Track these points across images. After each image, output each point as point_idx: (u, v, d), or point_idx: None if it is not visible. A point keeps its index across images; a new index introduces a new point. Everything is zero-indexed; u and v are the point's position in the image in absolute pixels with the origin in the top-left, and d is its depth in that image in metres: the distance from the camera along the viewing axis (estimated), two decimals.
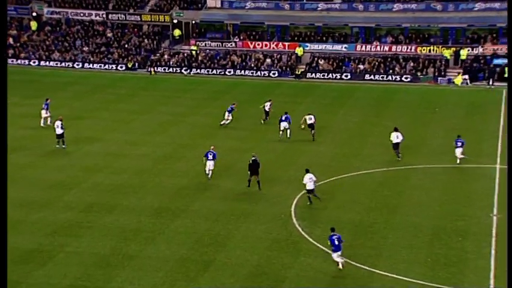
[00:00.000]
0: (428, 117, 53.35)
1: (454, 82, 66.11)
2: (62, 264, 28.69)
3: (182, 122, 52.46)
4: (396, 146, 41.79)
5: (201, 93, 63.25)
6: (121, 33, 79.61)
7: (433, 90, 64.87)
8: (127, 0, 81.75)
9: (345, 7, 74.76)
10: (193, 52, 74.59)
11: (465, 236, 31.44)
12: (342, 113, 55.45)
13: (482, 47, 69.33)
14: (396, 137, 41.75)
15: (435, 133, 47.25)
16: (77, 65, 75.89)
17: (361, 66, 69.99)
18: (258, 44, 74.77)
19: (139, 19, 79.89)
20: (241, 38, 75.92)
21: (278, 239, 31.12)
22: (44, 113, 49.90)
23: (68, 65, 75.98)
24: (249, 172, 37.06)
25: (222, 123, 50.21)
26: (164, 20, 78.47)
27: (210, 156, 38.52)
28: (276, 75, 71.00)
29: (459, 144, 41.05)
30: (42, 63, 76.61)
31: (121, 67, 74.82)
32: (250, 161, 37.20)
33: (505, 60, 66.73)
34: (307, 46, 73.04)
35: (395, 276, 27.60)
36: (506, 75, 65.14)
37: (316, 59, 71.75)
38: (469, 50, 69.01)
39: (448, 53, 69.19)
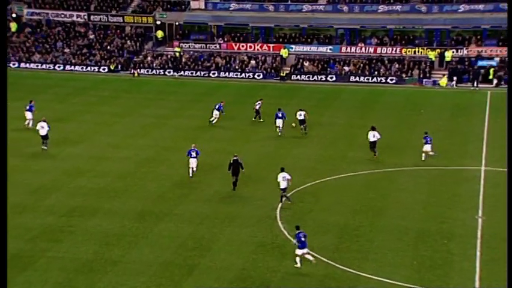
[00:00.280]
0: (414, 119, 53.36)
1: (439, 84, 66.21)
2: (43, 270, 28.30)
3: (165, 124, 52.07)
4: (373, 144, 42.23)
5: (185, 96, 62.96)
6: (103, 34, 78.93)
7: (418, 92, 64.97)
8: (109, 1, 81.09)
9: (330, 9, 74.65)
10: (177, 54, 74.18)
11: (450, 238, 31.46)
12: (327, 115, 55.30)
13: (466, 48, 69.45)
14: (373, 136, 42.26)
15: (420, 135, 47.01)
16: (59, 67, 75.20)
17: (346, 68, 69.89)
18: (243, 46, 74.49)
19: (122, 20, 79.29)
20: (226, 39, 75.59)
21: (263, 242, 30.93)
22: (28, 115, 49.40)
23: (49, 67, 75.28)
24: (229, 172, 36.91)
25: (211, 119, 50.91)
26: (147, 21, 78.04)
27: (193, 154, 38.84)
28: (261, 77, 70.78)
29: (428, 140, 41.73)
30: (22, 65, 75.74)
31: (104, 69, 74.21)
32: (231, 161, 37.05)
33: (490, 62, 67.06)
34: (292, 48, 72.88)
35: (380, 279, 27.54)
36: (490, 77, 65.53)
37: (301, 60, 71.58)
38: (453, 52, 69.10)
39: (432, 54, 69.26)
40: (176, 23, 77.92)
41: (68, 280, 27.44)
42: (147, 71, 73.03)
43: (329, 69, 70.32)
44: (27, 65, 75.61)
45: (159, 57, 74.59)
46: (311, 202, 35.66)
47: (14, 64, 75.46)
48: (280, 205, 35.03)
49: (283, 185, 34.92)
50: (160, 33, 77.29)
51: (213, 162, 41.33)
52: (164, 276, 27.82)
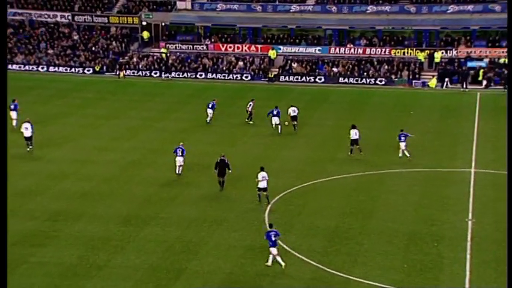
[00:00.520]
0: (403, 121, 52.98)
1: (428, 85, 66.04)
2: (26, 276, 27.77)
3: (151, 126, 51.56)
4: (355, 142, 42.99)
5: (171, 97, 62.51)
6: (88, 35, 78.11)
7: (408, 93, 64.89)
8: (93, 1, 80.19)
9: (318, 9, 74.29)
10: (163, 55, 73.60)
11: (440, 241, 31.23)
12: (316, 116, 55.00)
13: (456, 49, 69.31)
14: (355, 134, 43.22)
15: (410, 137, 46.81)
16: (42, 68, 74.32)
17: (335, 69, 69.59)
18: (230, 47, 73.98)
19: (107, 21, 78.44)
20: (213, 40, 75.07)
21: (252, 246, 30.53)
22: (13, 115, 48.79)
23: (32, 68, 74.34)
24: (215, 171, 36.53)
25: (207, 120, 51.24)
26: (133, 22, 77.35)
27: (180, 152, 38.85)
28: (249, 78, 70.33)
29: (402, 138, 42.21)
30: None
31: (88, 70, 73.41)
32: (218, 160, 36.68)
33: (479, 63, 66.93)
34: (280, 49, 72.48)
35: (370, 282, 27.27)
36: (480, 78, 65.42)
37: (289, 61, 71.22)
38: (443, 53, 68.92)
39: (422, 55, 69.08)
40: (163, 24, 77.29)
41: (53, 285, 26.99)
42: (133, 73, 72.36)
43: (317, 70, 69.99)
44: (10, 67, 73.59)
45: (145, 59, 73.95)
46: (300, 205, 35.33)
47: None
48: (268, 208, 34.63)
49: (262, 184, 34.86)
50: (146, 34, 76.66)
51: (200, 163, 40.89)
52: (151, 281, 27.40)
